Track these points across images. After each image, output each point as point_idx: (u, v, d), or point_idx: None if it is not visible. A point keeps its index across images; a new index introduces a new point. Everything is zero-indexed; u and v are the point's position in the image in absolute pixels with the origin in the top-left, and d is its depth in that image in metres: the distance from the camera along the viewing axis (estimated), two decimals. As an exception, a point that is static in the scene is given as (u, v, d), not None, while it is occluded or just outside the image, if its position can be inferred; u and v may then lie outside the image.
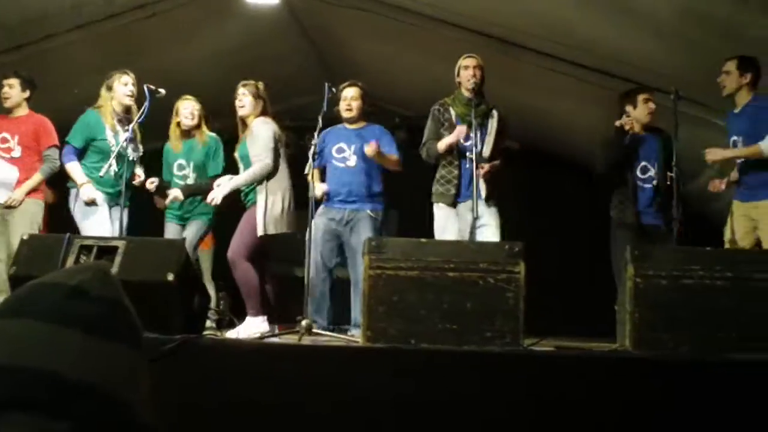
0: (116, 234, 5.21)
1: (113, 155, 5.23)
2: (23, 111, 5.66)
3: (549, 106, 7.81)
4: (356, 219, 5.48)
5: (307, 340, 4.15)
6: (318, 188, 5.38)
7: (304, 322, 4.32)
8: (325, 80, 5.20)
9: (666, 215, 5.19)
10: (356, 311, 5.23)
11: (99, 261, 3.82)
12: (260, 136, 5.13)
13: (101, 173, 5.17)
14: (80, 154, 5.40)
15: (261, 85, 5.31)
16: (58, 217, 6.02)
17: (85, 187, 5.28)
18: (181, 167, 5.74)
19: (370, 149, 5.30)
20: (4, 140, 5.57)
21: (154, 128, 5.66)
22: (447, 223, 5.19)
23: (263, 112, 5.27)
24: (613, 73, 6.74)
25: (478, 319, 3.58)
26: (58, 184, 5.90)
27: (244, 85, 5.30)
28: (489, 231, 5.07)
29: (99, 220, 5.27)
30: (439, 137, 5.24)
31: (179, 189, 5.57)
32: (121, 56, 6.30)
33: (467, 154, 5.10)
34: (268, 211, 5.04)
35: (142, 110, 5.22)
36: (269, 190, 5.09)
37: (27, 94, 5.66)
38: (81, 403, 0.84)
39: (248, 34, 7.73)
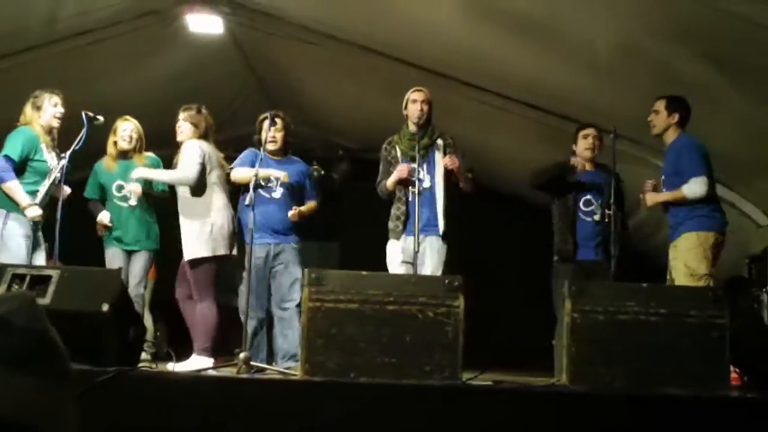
0: (44, 261, 5.09)
1: (49, 179, 5.10)
2: None
3: (486, 140, 7.89)
4: (282, 251, 5.43)
5: (245, 374, 4.10)
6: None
7: (242, 355, 4.26)
8: (268, 110, 5.20)
9: (606, 250, 5.29)
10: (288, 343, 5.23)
11: (25, 291, 3.73)
12: (185, 153, 5.19)
13: (37, 199, 5.02)
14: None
15: (203, 109, 5.30)
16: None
17: (31, 209, 5.02)
18: (120, 188, 5.70)
19: (293, 216, 5.36)
20: None
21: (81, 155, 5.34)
22: (395, 257, 5.22)
23: (203, 137, 5.26)
24: (552, 110, 6.89)
25: (417, 353, 3.57)
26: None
27: (184, 110, 5.32)
28: (432, 264, 5.11)
29: (18, 256, 4.92)
30: (389, 175, 5.28)
31: (137, 184, 5.60)
32: (62, 82, 6.18)
33: (410, 189, 5.14)
34: (197, 232, 5.07)
35: (80, 137, 5.06)
36: (196, 213, 5.12)
37: None
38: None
39: (191, 63, 7.72)
